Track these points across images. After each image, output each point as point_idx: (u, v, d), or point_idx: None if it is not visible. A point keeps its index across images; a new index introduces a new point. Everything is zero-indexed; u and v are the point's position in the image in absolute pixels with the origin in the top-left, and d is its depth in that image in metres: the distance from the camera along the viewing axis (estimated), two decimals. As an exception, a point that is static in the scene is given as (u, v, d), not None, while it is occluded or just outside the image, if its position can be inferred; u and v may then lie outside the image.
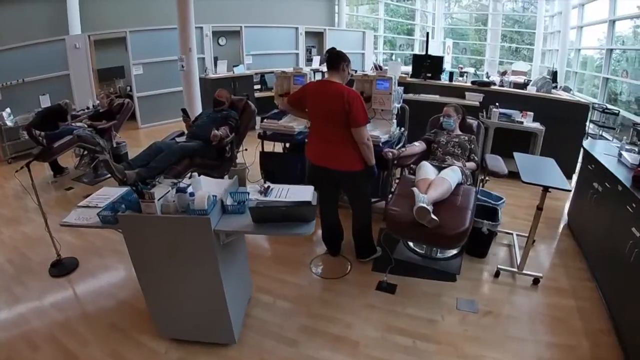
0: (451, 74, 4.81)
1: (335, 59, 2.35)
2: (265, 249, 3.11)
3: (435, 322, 2.28)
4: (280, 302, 2.43)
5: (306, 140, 2.73)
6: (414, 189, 2.24)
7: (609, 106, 5.82)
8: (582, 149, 3.20)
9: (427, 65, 4.66)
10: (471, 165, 2.82)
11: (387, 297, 2.47)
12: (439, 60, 4.73)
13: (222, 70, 6.14)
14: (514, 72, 6.09)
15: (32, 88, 5.38)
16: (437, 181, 2.39)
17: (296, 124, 3.43)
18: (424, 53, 4.95)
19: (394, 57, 12.49)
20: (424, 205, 2.11)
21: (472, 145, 2.92)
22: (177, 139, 3.52)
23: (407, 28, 13.91)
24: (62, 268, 2.75)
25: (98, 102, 4.62)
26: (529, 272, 2.67)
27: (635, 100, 6.17)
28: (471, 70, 8.00)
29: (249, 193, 1.85)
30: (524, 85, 5.17)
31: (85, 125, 4.18)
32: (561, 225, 3.54)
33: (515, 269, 2.72)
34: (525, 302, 2.49)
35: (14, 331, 2.21)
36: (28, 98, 5.23)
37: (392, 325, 2.24)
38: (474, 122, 3.18)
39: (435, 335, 2.18)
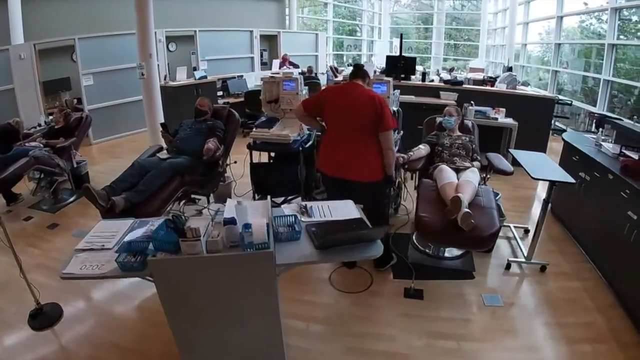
0: (424, 74, 4.95)
1: (363, 71, 2.38)
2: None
3: (470, 322, 2.33)
4: (314, 326, 2.29)
5: (317, 150, 2.61)
6: (460, 195, 2.21)
7: (562, 97, 6.40)
8: (563, 142, 3.45)
9: (401, 66, 4.74)
10: (477, 165, 2.90)
11: (417, 303, 2.46)
12: (413, 61, 4.84)
13: (182, 77, 5.73)
14: (472, 69, 6.46)
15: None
16: (464, 184, 2.40)
17: (290, 132, 3.27)
18: (397, 54, 5.04)
19: (345, 59, 12.64)
20: (469, 210, 2.12)
21: (474, 146, 3.00)
22: (160, 155, 3.17)
23: (349, 29, 14.20)
24: (45, 318, 2.31)
25: (51, 117, 4.04)
26: (536, 261, 2.84)
27: (581, 90, 6.88)
28: (420, 68, 8.35)
29: (296, 216, 1.68)
30: (483, 82, 5.49)
31: (41, 145, 3.64)
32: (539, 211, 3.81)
33: (523, 259, 2.86)
34: (539, 289, 2.65)
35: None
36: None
37: (432, 330, 2.24)
38: (469, 122, 3.28)
39: (474, 334, 2.23)
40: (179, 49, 7.20)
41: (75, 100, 5.76)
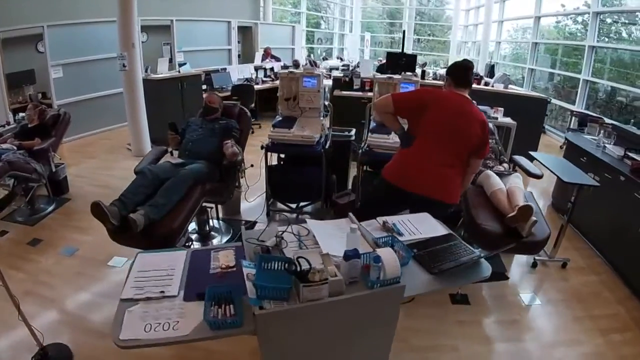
0: (423, 71, 4.96)
1: (469, 74, 2.04)
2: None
3: (517, 322, 2.39)
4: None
5: (395, 155, 2.24)
6: (530, 204, 2.14)
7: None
8: (565, 141, 3.62)
9: (402, 63, 4.71)
10: (505, 167, 2.93)
11: (466, 308, 2.45)
12: (413, 58, 4.83)
13: (164, 70, 5.25)
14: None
15: None
16: (515, 190, 2.36)
17: (311, 132, 3.09)
18: (399, 51, 4.99)
19: (319, 52, 12.45)
20: (535, 218, 2.11)
21: (500, 147, 3.03)
22: (171, 160, 2.84)
23: (314, 22, 14.02)
24: (51, 364, 1.95)
25: (23, 115, 3.48)
26: (558, 258, 2.97)
27: (553, 87, 7.34)
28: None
29: (394, 236, 1.52)
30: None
31: (14, 147, 3.12)
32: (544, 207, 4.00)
33: (546, 257, 2.97)
34: (565, 285, 2.79)
35: None
36: None
37: (489, 335, 2.27)
38: (490, 125, 3.31)
39: (525, 334, 2.29)
40: (150, 40, 6.60)
41: (39, 95, 5.06)
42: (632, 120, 4.36)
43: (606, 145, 3.34)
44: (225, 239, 3.15)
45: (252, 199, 3.58)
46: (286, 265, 1.16)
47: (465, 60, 2.19)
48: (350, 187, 3.75)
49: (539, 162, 3.08)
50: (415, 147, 2.04)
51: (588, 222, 3.33)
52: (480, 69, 7.99)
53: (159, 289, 1.28)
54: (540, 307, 2.53)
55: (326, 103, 3.32)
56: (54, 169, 3.44)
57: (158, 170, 2.61)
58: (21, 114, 3.69)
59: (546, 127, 6.53)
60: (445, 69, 7.79)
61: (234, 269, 1.36)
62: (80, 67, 5.22)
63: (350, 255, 1.19)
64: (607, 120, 4.92)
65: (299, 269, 1.10)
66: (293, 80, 3.22)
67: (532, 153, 3.12)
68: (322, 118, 3.35)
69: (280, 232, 1.46)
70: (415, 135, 2.05)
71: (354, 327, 1.26)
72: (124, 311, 1.21)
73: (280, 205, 3.58)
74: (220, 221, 3.39)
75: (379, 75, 3.21)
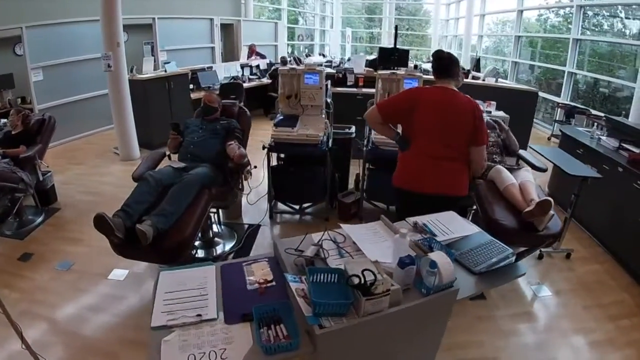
0: (416, 66, 4.95)
1: (450, 65, 1.99)
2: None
3: (532, 314, 2.45)
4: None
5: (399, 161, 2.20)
6: (549, 198, 2.13)
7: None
8: (560, 133, 3.69)
9: (395, 58, 4.68)
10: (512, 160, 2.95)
11: (483, 303, 2.47)
12: (406, 53, 4.81)
13: (149, 69, 5.04)
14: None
15: None
16: (528, 185, 2.37)
17: (315, 130, 3.02)
18: (391, 46, 4.96)
19: (302, 49, 12.32)
20: (553, 212, 2.12)
21: (509, 142, 3.02)
22: (173, 164, 2.71)
23: (293, 18, 13.87)
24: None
25: (5, 121, 3.25)
26: (563, 248, 3.04)
27: (536, 79, 7.52)
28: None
29: (432, 238, 1.48)
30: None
31: (-2, 157, 2.92)
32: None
33: (551, 249, 3.03)
34: (571, 275, 2.85)
35: None
36: None
37: (508, 329, 2.29)
38: (489, 120, 3.32)
39: (541, 325, 2.35)
40: (130, 40, 6.32)
41: (19, 100, 4.76)
42: (624, 113, 4.50)
43: (601, 137, 3.43)
44: (229, 245, 3.05)
45: (254, 202, 3.49)
46: (346, 279, 1.08)
47: (437, 50, 2.16)
48: (352, 185, 3.71)
49: (542, 155, 3.12)
50: (413, 148, 2.03)
51: (587, 212, 3.41)
52: (464, 62, 8.09)
53: (195, 312, 1.15)
54: (550, 298, 2.58)
55: (328, 100, 3.26)
56: (41, 178, 3.24)
57: (161, 176, 2.49)
58: (3, 120, 3.44)
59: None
60: (428, 62, 7.81)
61: (273, 283, 1.27)
62: (62, 69, 4.96)
63: (407, 262, 1.14)
64: (593, 112, 5.09)
65: (362, 281, 1.03)
66: (294, 77, 3.13)
67: (532, 146, 3.16)
68: (323, 116, 3.28)
69: (319, 241, 1.38)
70: (411, 137, 2.05)
71: (408, 334, 1.22)
72: (159, 341, 1.05)
73: (282, 207, 3.50)
74: (222, 226, 3.28)
75: (382, 71, 3.16)
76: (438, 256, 1.15)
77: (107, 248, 2.17)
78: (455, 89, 2.02)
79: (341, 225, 1.48)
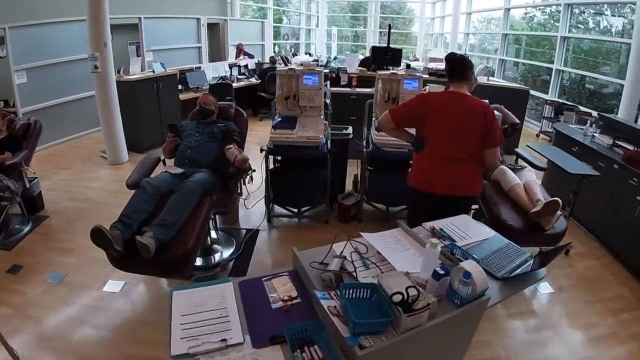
0: (408, 65, 4.94)
1: (462, 67, 1.99)
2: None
3: (537, 312, 2.49)
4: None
5: (412, 163, 2.24)
6: (557, 199, 2.18)
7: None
8: (555, 132, 3.74)
9: (388, 58, 4.66)
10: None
11: (489, 303, 2.47)
12: (399, 52, 4.79)
13: (136, 70, 4.87)
14: (432, 59, 6.65)
15: None
16: (533, 185, 2.39)
17: (315, 132, 2.96)
18: (384, 45, 4.93)
19: (288, 48, 12.20)
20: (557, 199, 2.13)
21: (508, 119, 3.00)
22: (170, 170, 2.60)
23: (277, 17, 13.73)
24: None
25: (-12, 127, 3.07)
26: (560, 244, 3.05)
27: (521, 76, 7.64)
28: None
29: (455, 244, 1.46)
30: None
31: (-18, 165, 2.75)
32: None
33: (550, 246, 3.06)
34: (571, 271, 2.90)
35: None
36: None
37: (514, 327, 2.32)
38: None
39: (547, 322, 2.38)
40: (114, 40, 6.11)
41: (1, 103, 4.53)
42: (616, 110, 4.61)
43: (594, 134, 3.48)
44: (228, 252, 2.96)
45: (251, 206, 3.41)
46: (390, 296, 1.02)
47: (450, 53, 2.17)
48: (351, 187, 3.67)
49: (540, 154, 3.15)
50: (427, 150, 2.06)
51: (583, 208, 3.46)
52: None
53: (218, 337, 1.05)
54: (554, 295, 2.62)
55: (327, 101, 3.20)
56: (27, 185, 3.08)
57: (158, 184, 2.39)
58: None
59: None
60: (415, 61, 7.81)
61: (298, 299, 1.20)
62: (47, 71, 4.77)
63: (442, 274, 1.10)
64: (581, 109, 5.19)
65: (406, 297, 0.98)
66: (293, 78, 3.06)
67: (529, 145, 3.19)
68: (322, 117, 3.23)
69: (341, 252, 1.32)
70: (425, 139, 2.06)
71: (441, 344, 1.20)
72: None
73: (279, 210, 3.43)
74: (220, 232, 3.19)
75: (382, 72, 3.12)
76: (471, 265, 1.12)
77: (99, 258, 2.08)
78: (468, 92, 2.02)
79: (362, 234, 1.43)
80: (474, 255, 1.41)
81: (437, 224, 1.66)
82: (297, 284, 1.27)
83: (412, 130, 2.15)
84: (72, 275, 2.64)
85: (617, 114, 4.75)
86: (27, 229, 3.11)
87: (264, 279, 1.30)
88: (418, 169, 2.11)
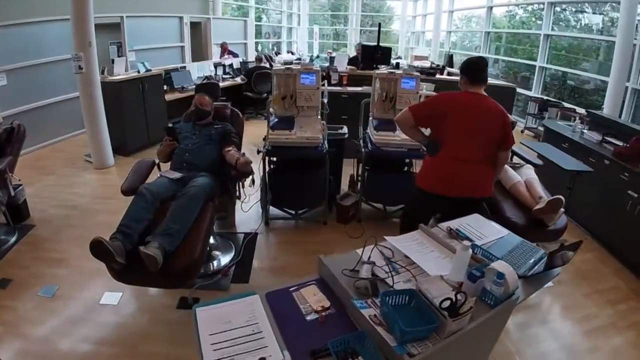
0: (397, 64, 4.96)
1: (485, 71, 2.02)
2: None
3: (539, 306, 2.54)
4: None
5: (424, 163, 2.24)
6: (560, 197, 2.21)
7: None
8: (545, 129, 3.83)
9: (379, 56, 4.66)
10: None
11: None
12: (389, 50, 4.80)
13: (121, 71, 4.69)
14: (417, 58, 6.72)
15: None
16: (534, 182, 2.43)
17: (313, 132, 2.92)
18: (374, 44, 4.93)
19: (270, 47, 12.06)
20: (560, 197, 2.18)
21: None
22: (168, 175, 2.51)
23: (256, 15, 13.56)
24: None
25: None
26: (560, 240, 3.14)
27: (502, 73, 7.79)
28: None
29: (475, 243, 1.46)
30: (434, 70, 5.74)
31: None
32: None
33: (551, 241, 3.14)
34: (568, 265, 2.84)
35: None
36: None
37: (519, 321, 2.35)
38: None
39: (550, 315, 2.47)
40: (96, 40, 5.89)
41: None
42: (603, 107, 4.77)
43: (583, 131, 3.59)
44: (227, 257, 2.87)
45: (247, 209, 3.33)
46: (440, 302, 1.00)
47: (479, 57, 2.21)
48: (347, 187, 3.65)
49: (533, 150, 3.21)
50: (444, 151, 2.04)
51: (574, 203, 3.56)
52: (433, 58, 8.25)
53: (256, 356, 0.99)
54: (553, 289, 2.66)
55: (325, 101, 3.17)
56: (12, 192, 2.91)
57: (157, 189, 2.30)
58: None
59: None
60: (398, 59, 7.87)
61: (331, 309, 1.16)
62: (28, 73, 4.55)
63: (478, 275, 1.11)
64: (565, 105, 5.34)
65: (454, 301, 0.97)
66: (290, 78, 3.01)
67: (523, 142, 3.25)
68: (319, 117, 3.20)
69: (369, 258, 1.29)
70: (441, 141, 2.06)
71: (477, 344, 1.21)
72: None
73: (276, 212, 3.36)
74: (217, 237, 3.10)
75: (380, 71, 3.11)
76: (503, 266, 1.13)
77: (92, 268, 1.98)
78: (485, 93, 2.06)
79: (386, 238, 1.41)
80: (496, 255, 1.41)
81: (453, 224, 1.67)
82: (327, 293, 1.23)
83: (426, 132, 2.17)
84: (64, 287, 2.50)
85: (599, 109, 4.91)
86: (13, 239, 2.94)
87: (291, 289, 1.25)
88: (430, 171, 2.11)
